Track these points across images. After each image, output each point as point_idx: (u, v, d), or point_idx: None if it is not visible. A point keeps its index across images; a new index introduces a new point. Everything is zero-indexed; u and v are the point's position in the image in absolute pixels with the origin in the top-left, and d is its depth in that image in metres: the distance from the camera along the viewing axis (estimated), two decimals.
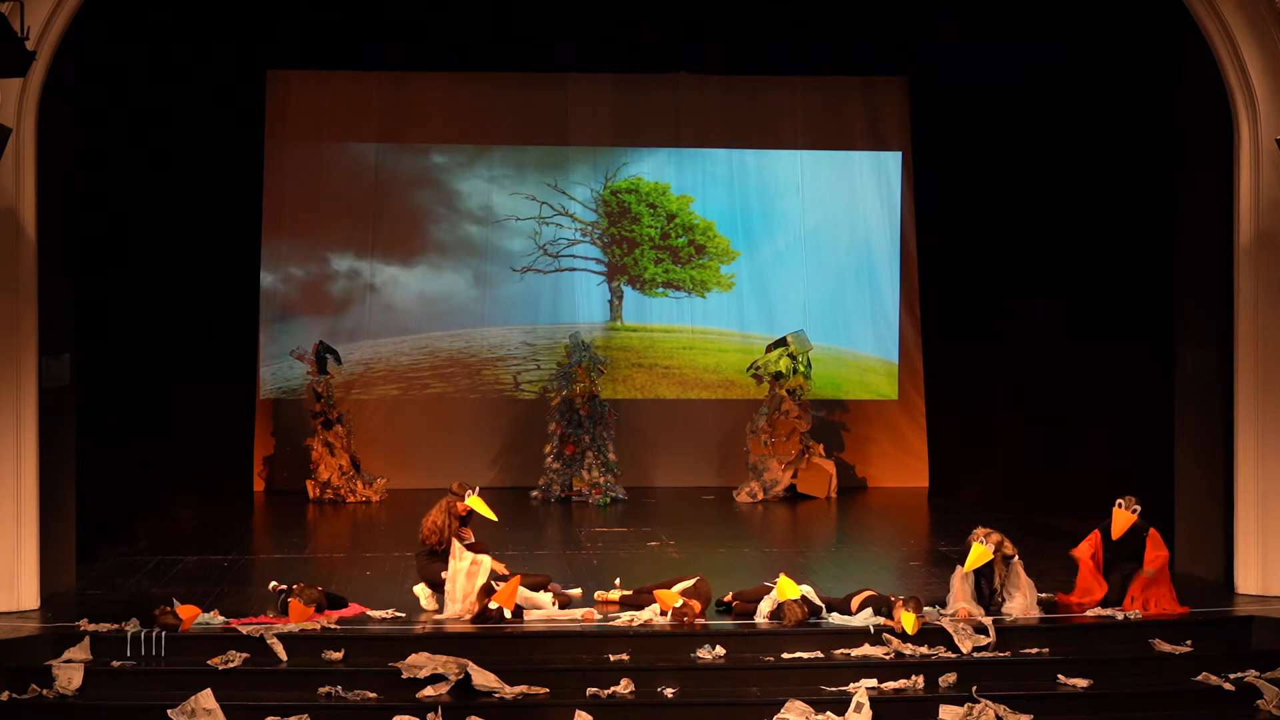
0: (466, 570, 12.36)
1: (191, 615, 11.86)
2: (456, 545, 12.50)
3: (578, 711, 11.07)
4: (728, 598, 12.60)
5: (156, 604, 11.97)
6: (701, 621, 12.13)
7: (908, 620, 11.78)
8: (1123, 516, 12.49)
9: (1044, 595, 12.85)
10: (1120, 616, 12.29)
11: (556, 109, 19.63)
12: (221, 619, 11.99)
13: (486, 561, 12.45)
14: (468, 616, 12.17)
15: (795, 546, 15.99)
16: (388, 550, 15.05)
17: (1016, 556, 12.39)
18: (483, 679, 11.21)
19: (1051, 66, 17.01)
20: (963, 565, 12.26)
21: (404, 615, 12.33)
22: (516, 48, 18.61)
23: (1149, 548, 12.54)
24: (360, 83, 19.33)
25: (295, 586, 12.20)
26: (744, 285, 19.97)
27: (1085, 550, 12.62)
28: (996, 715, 11.19)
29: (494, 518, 12.97)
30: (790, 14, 18.19)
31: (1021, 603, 12.29)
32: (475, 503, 12.76)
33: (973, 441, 18.87)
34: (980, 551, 12.20)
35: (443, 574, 12.49)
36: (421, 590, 12.65)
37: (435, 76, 19.40)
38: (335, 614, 12.19)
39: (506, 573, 12.55)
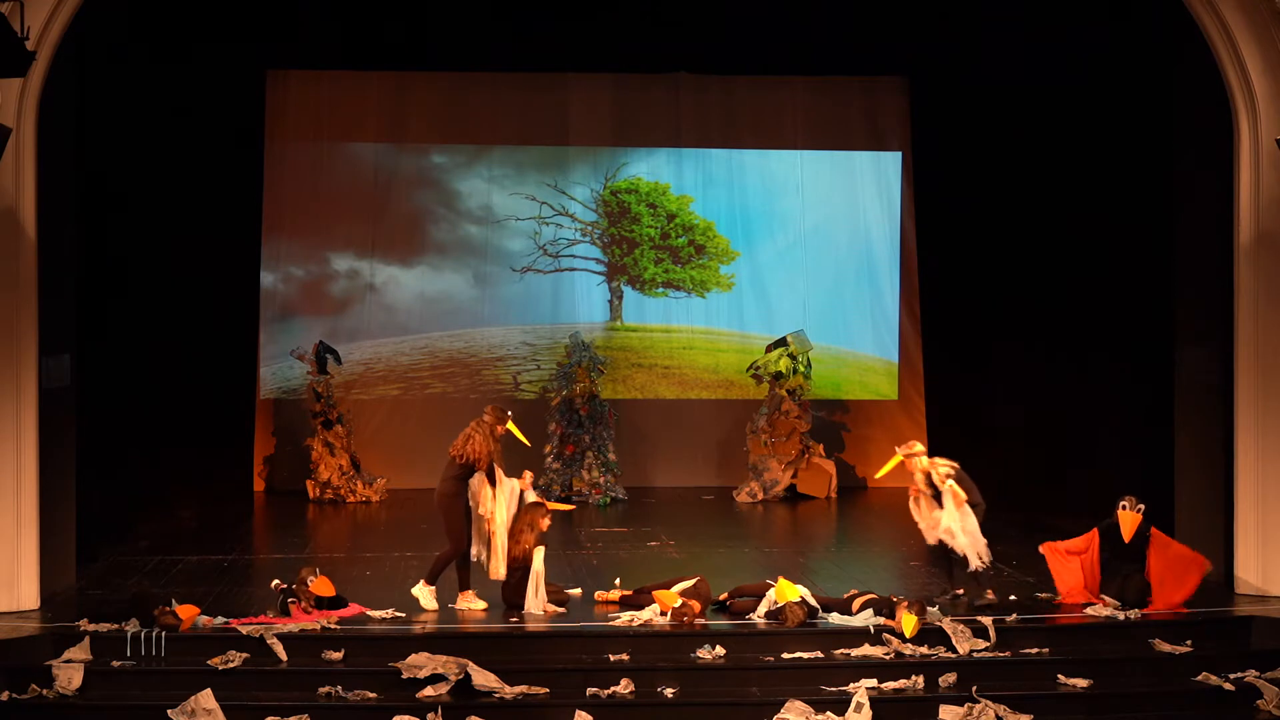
0: (510, 494, 12.50)
1: (191, 615, 11.86)
2: (499, 471, 12.53)
3: (578, 711, 11.07)
4: (723, 597, 12.61)
5: (155, 604, 11.96)
6: (701, 621, 12.13)
7: (908, 623, 11.79)
8: (1129, 518, 12.49)
9: (1043, 595, 12.89)
10: (1121, 616, 12.29)
11: (556, 109, 19.64)
12: (221, 619, 11.99)
13: (515, 486, 12.60)
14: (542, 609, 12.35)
15: (795, 546, 15.99)
16: (388, 550, 15.05)
17: (953, 482, 12.62)
18: (483, 679, 11.21)
19: (1051, 66, 17.01)
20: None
21: (404, 615, 12.32)
22: (516, 48, 18.62)
23: (1152, 548, 12.55)
24: (360, 83, 19.35)
25: (299, 581, 12.22)
26: (744, 285, 19.98)
27: (1076, 545, 12.66)
28: (996, 715, 11.19)
29: (528, 443, 13.26)
30: (790, 14, 18.19)
31: (949, 521, 12.56)
32: (512, 427, 12.80)
33: (973, 441, 18.83)
34: (894, 460, 12.75)
35: (480, 498, 12.49)
36: (421, 590, 12.64)
37: (435, 76, 19.42)
38: (335, 614, 12.19)
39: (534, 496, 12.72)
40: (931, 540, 12.86)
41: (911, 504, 12.88)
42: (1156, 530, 12.64)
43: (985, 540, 12.71)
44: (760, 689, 11.43)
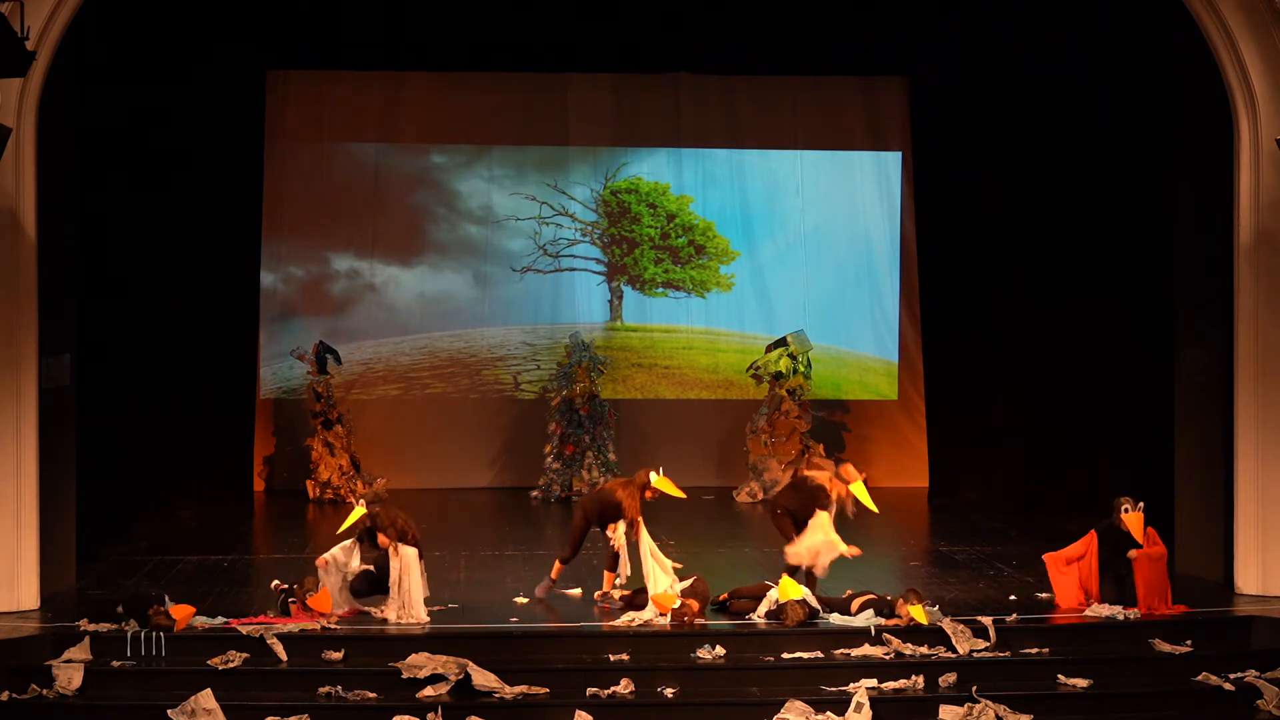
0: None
1: (186, 615, 11.84)
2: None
3: (578, 711, 11.07)
4: (722, 597, 12.60)
5: (150, 603, 11.94)
6: (701, 621, 12.13)
7: (918, 612, 11.81)
8: (1134, 518, 12.43)
9: (1044, 595, 12.89)
10: (1121, 616, 12.29)
11: (556, 109, 19.64)
12: (220, 619, 11.97)
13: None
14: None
15: None
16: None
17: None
18: (483, 679, 11.22)
19: (1051, 66, 17.00)
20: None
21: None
22: (516, 48, 18.61)
23: (1146, 547, 12.54)
24: (360, 83, 19.34)
25: (299, 587, 12.20)
26: (744, 285, 19.97)
27: (1075, 551, 12.63)
28: (996, 715, 11.19)
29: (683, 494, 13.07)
30: (790, 14, 18.19)
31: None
32: (662, 484, 12.78)
33: (973, 441, 18.86)
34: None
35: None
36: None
37: (435, 76, 19.41)
38: (335, 614, 12.18)
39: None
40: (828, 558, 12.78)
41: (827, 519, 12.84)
42: (1152, 530, 12.62)
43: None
44: (760, 689, 11.43)
